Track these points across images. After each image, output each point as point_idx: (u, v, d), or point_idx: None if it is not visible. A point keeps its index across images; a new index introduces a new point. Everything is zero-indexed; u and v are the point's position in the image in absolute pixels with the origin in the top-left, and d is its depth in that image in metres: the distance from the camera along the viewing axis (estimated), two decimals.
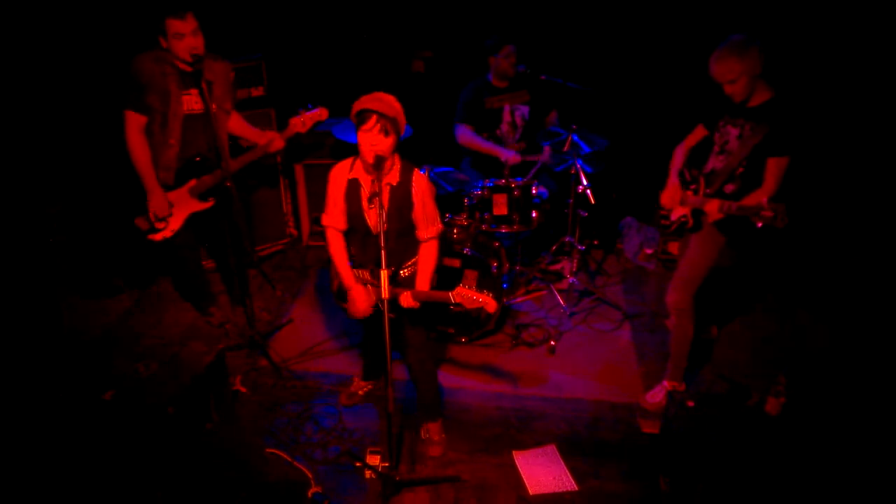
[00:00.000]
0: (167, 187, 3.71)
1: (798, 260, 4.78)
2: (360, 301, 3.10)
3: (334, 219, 3.09)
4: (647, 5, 5.12)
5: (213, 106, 3.54)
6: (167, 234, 3.78)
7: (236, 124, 3.89)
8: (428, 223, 3.08)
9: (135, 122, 3.53)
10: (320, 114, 3.65)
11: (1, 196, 4.18)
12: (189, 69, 3.46)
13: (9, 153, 4.27)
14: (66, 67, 4.39)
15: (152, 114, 3.55)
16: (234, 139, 4.05)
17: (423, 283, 3.09)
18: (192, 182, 3.74)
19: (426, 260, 3.12)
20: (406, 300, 2.97)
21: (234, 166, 3.73)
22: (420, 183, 3.02)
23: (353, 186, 3.02)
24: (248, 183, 4.75)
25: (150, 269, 4.62)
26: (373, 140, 2.81)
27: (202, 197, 3.80)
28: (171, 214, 3.74)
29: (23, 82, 4.32)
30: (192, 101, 3.60)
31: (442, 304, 2.96)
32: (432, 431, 3.44)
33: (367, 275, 3.15)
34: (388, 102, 2.83)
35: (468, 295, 2.87)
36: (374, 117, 2.79)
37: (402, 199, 2.99)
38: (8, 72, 4.23)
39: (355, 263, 3.16)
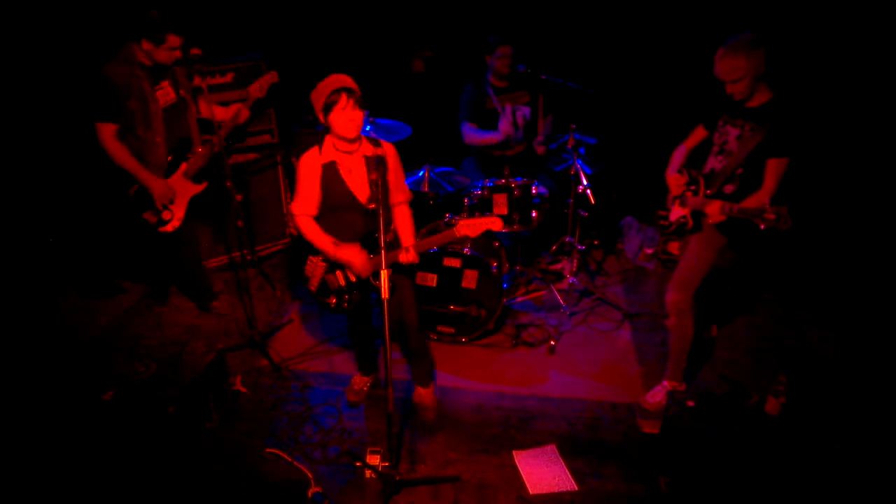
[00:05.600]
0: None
1: (798, 260, 4.78)
2: (357, 259, 3.12)
3: (307, 206, 3.15)
4: (647, 5, 5.12)
5: (181, 91, 3.76)
6: (175, 223, 3.85)
7: (202, 106, 4.00)
8: (401, 185, 3.22)
9: (109, 131, 3.58)
10: (272, 76, 3.91)
11: (1, 196, 4.18)
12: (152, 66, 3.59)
13: (9, 153, 4.27)
14: (67, 68, 4.39)
15: (132, 117, 3.59)
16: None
17: (409, 238, 3.20)
18: (184, 166, 3.83)
19: (404, 219, 3.24)
20: (405, 256, 3.04)
21: (217, 142, 3.83)
22: (389, 147, 3.17)
23: (329, 169, 3.08)
24: (247, 183, 4.75)
25: (153, 266, 4.59)
26: (351, 115, 2.92)
27: (196, 179, 3.89)
28: (173, 202, 3.81)
29: (23, 83, 4.32)
30: (165, 95, 3.70)
31: (444, 245, 3.02)
32: (424, 396, 3.57)
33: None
34: (349, 79, 2.96)
35: (472, 223, 2.92)
36: (345, 94, 2.90)
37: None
38: (9, 72, 4.23)
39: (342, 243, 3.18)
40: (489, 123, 4.60)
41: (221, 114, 3.95)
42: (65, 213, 4.57)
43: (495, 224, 2.90)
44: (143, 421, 3.53)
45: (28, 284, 4.08)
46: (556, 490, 3.18)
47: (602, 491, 3.18)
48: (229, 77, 4.51)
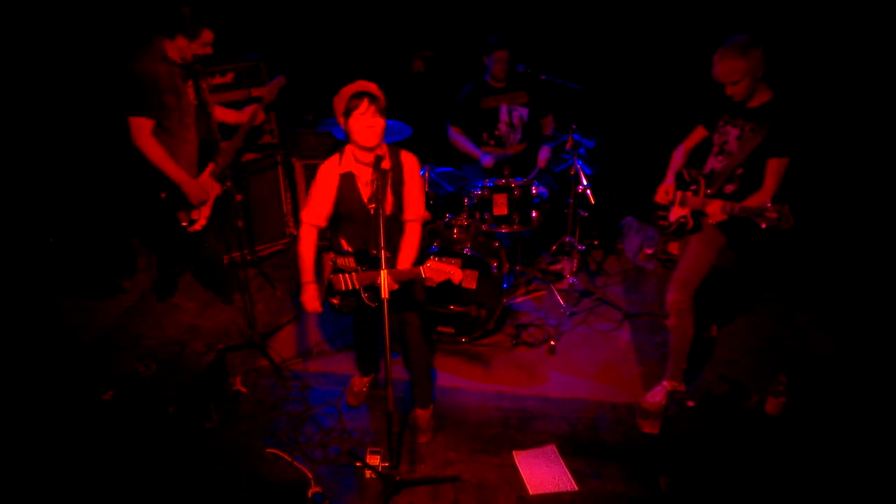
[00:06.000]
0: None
1: (798, 260, 4.78)
2: (314, 299, 3.17)
3: (316, 216, 3.11)
4: (648, 6, 5.12)
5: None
6: (203, 221, 3.84)
7: (217, 111, 3.99)
8: (417, 202, 3.14)
9: (144, 126, 3.49)
10: (279, 81, 3.92)
11: (1, 196, 4.18)
12: (182, 63, 3.57)
13: (9, 153, 4.27)
14: (68, 67, 4.40)
15: (168, 113, 3.54)
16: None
17: (405, 263, 3.13)
18: (211, 166, 3.81)
19: (409, 241, 3.17)
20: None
21: (236, 144, 3.84)
22: (409, 160, 3.10)
23: (347, 180, 3.05)
24: (247, 183, 4.75)
25: (172, 263, 4.60)
26: (370, 122, 2.88)
27: (220, 179, 3.87)
28: (205, 202, 3.81)
29: (25, 82, 4.32)
30: (192, 94, 3.69)
31: (415, 279, 2.98)
32: (420, 419, 3.48)
33: (351, 262, 3.14)
34: (373, 85, 2.91)
35: (437, 267, 2.89)
36: (366, 100, 2.86)
37: (397, 180, 3.06)
38: (9, 72, 4.24)
39: (344, 252, 3.16)
40: (486, 124, 4.60)
41: (222, 114, 3.94)
42: (65, 212, 4.57)
43: (455, 276, 2.87)
44: (143, 421, 3.53)
45: (28, 284, 4.08)
46: (556, 490, 3.18)
47: (602, 491, 3.18)
48: (229, 77, 4.52)
